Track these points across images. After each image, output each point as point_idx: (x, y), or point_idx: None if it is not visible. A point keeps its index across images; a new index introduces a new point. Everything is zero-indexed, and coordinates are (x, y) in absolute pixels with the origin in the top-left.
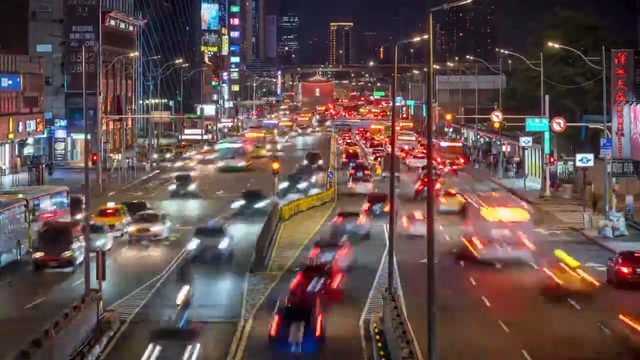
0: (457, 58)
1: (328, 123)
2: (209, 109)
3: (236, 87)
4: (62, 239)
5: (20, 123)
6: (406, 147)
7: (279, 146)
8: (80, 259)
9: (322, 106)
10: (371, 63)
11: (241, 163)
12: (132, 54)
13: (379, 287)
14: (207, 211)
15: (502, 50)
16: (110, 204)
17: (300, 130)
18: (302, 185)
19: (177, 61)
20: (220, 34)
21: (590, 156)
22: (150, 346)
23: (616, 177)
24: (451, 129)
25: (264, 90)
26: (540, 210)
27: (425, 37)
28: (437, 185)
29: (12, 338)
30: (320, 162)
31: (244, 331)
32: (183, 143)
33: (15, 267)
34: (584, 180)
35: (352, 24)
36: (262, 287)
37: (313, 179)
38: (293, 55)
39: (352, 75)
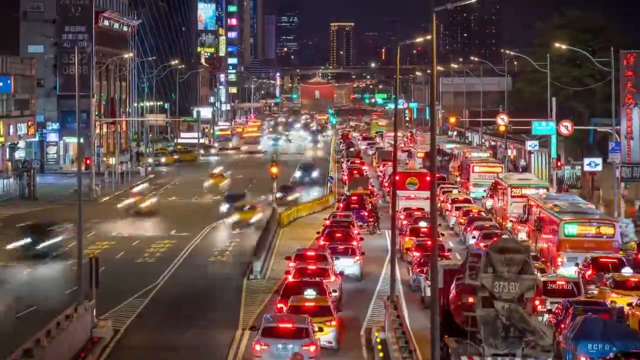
0: (461, 59)
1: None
2: (206, 112)
3: (234, 89)
4: None
5: (11, 126)
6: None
7: None
8: None
9: (322, 115)
10: (372, 64)
11: None
12: (126, 55)
13: (380, 295)
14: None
15: (507, 51)
16: None
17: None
18: None
19: (172, 62)
20: (217, 34)
21: (599, 160)
22: None
23: (625, 182)
24: (455, 132)
25: (263, 92)
26: None
27: (429, 37)
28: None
29: (2, 347)
30: None
31: (241, 341)
32: (179, 147)
33: None
34: (592, 185)
35: (353, 24)
36: (260, 295)
37: None
38: (292, 57)
39: (353, 77)
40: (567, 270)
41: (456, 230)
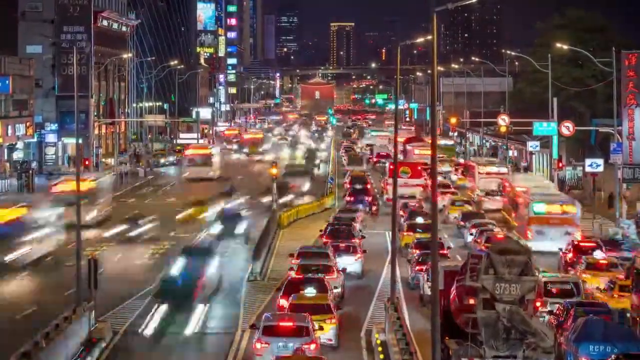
0: (462, 59)
1: None
2: (205, 112)
3: (233, 90)
4: None
5: (10, 127)
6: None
7: None
8: None
9: (322, 115)
10: (373, 65)
11: None
12: (125, 55)
13: (381, 296)
14: None
15: (508, 52)
16: None
17: None
18: None
19: (172, 63)
20: (216, 34)
21: (600, 161)
22: None
23: (627, 183)
24: (456, 133)
25: (262, 92)
26: None
27: (429, 37)
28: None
29: (1, 350)
30: None
31: (241, 342)
32: (178, 147)
33: None
34: (594, 186)
35: (353, 24)
36: (260, 296)
37: None
38: (292, 57)
39: (353, 77)
40: (537, 242)
41: (443, 216)
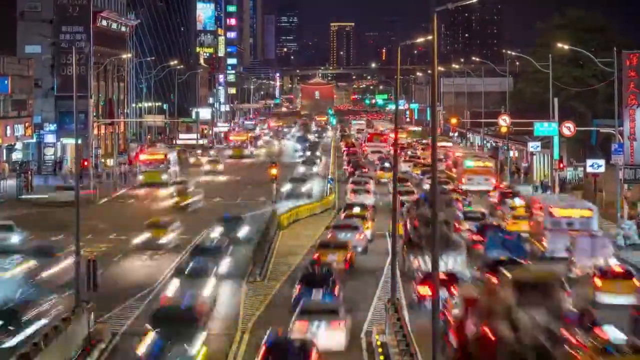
0: (462, 59)
1: None
2: (205, 113)
3: (233, 90)
4: None
5: (8, 127)
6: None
7: None
8: None
9: (322, 116)
10: (373, 65)
11: None
12: (124, 56)
13: (381, 297)
14: None
15: (508, 52)
16: None
17: None
18: None
19: (171, 63)
20: (216, 34)
21: (601, 162)
22: None
23: (628, 184)
24: (456, 134)
25: (262, 93)
26: None
27: (430, 37)
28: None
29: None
30: None
31: (241, 343)
32: (177, 148)
33: None
34: (595, 186)
35: (353, 24)
36: (260, 297)
37: None
38: (292, 57)
39: (354, 77)
40: (468, 185)
41: (409, 173)
